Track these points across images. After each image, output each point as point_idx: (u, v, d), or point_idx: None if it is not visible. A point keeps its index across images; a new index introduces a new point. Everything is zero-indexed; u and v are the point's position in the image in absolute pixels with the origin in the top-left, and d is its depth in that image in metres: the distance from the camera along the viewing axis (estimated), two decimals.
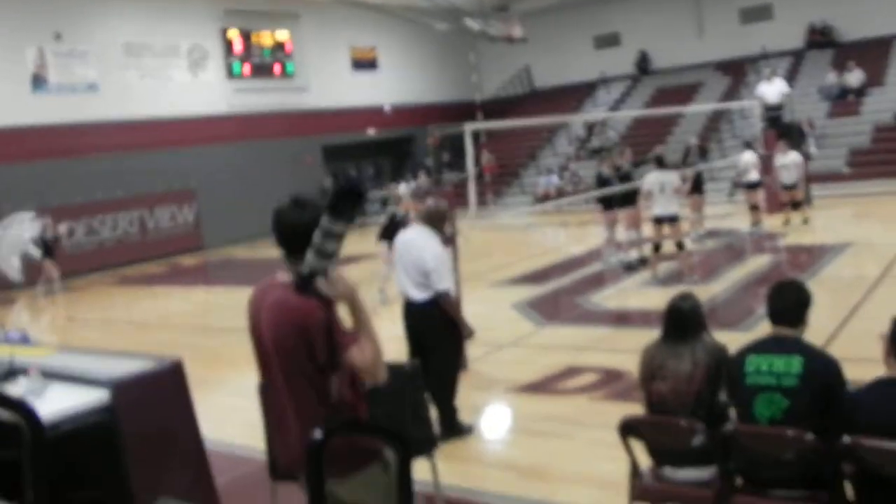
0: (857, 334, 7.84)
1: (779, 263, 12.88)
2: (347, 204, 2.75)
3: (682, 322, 4.40)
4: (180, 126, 22.48)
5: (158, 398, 4.21)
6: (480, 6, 25.52)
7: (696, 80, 27.81)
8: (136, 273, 19.50)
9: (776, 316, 4.05)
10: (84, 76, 20.77)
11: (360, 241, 13.75)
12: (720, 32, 28.17)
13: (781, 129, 18.10)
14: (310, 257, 2.78)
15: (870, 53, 25.00)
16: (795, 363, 3.83)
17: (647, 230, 12.83)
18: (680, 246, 11.76)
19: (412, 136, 29.45)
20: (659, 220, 11.70)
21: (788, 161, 15.45)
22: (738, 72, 26.86)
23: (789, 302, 4.07)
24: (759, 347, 4.02)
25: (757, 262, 12.88)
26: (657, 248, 12.00)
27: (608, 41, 30.65)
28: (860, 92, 23.87)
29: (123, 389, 4.00)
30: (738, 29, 28.07)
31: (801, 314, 4.03)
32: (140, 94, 21.86)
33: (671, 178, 11.83)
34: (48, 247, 17.22)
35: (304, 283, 2.80)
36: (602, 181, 13.64)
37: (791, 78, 24.50)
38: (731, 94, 25.56)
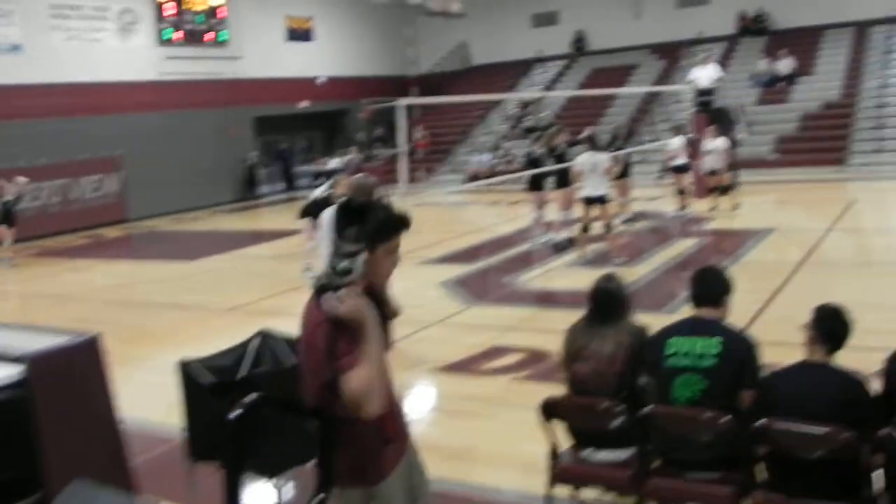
0: (776, 319, 7.99)
1: (703, 247, 13.07)
2: (386, 233, 2.86)
3: (606, 304, 4.42)
4: (107, 92, 21.79)
5: (74, 375, 4.07)
6: None
7: (632, 62, 28.06)
8: (58, 245, 18.94)
9: (698, 299, 4.15)
10: (7, 36, 20.00)
11: (290, 216, 13.63)
12: (657, 15, 28.46)
13: (712, 114, 18.34)
14: (325, 271, 2.76)
15: (801, 42, 25.53)
16: (714, 345, 3.91)
17: (576, 211, 12.93)
18: (608, 227, 11.88)
19: (346, 109, 29.15)
20: (588, 201, 11.79)
21: (715, 146, 15.71)
22: (672, 55, 27.16)
23: (710, 286, 4.17)
24: (680, 330, 4.09)
25: (682, 246, 13.05)
26: (585, 228, 12.10)
27: (546, 20, 30.72)
28: (790, 80, 24.37)
29: (38, 365, 3.85)
30: (674, 13, 28.42)
31: (721, 298, 4.12)
32: (66, 58, 21.08)
33: (602, 159, 11.91)
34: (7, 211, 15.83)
35: (315, 297, 2.77)
36: (532, 161, 13.70)
37: (724, 63, 24.82)
38: (665, 77, 25.88)
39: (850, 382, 3.64)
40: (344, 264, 2.69)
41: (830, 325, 3.78)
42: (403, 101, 12.41)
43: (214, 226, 20.98)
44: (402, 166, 12.02)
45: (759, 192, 17.77)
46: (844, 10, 25.52)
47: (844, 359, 3.76)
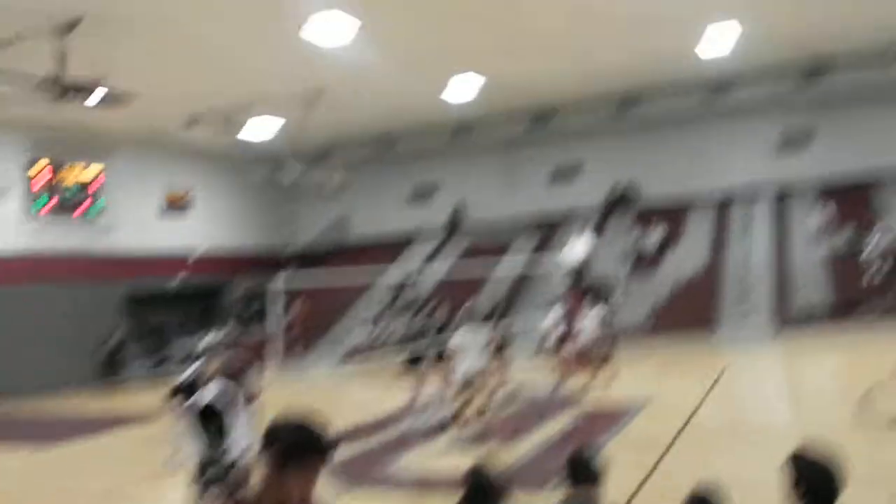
0: (658, 493, 7.83)
1: (582, 422, 12.96)
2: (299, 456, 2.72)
3: (479, 495, 4.25)
4: None
5: None
6: (301, 155, 25.68)
7: (509, 236, 28.79)
8: None
9: (573, 479, 4.19)
10: None
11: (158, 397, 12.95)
12: (531, 190, 29.54)
13: (586, 286, 18.70)
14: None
15: (668, 215, 26.81)
16: None
17: (455, 387, 12.69)
18: (487, 404, 11.65)
19: (223, 284, 28.65)
20: (466, 379, 11.59)
21: (596, 321, 15.90)
22: (548, 228, 28.03)
23: (584, 466, 4.21)
24: None
25: (561, 422, 12.92)
26: (464, 406, 11.83)
27: (425, 194, 31.46)
28: (660, 252, 25.35)
29: None
30: (547, 187, 29.55)
31: (596, 478, 4.16)
32: None
33: (481, 335, 11.82)
34: None
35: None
36: (411, 336, 13.53)
37: (597, 236, 25.69)
38: (540, 250, 26.52)
39: None
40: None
41: None
42: (276, 283, 12.15)
43: (75, 407, 19.79)
44: (275, 346, 11.64)
45: (634, 361, 17.98)
46: (709, 183, 27.22)
47: None
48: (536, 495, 7.04)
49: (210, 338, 21.37)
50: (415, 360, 13.29)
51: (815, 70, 24.15)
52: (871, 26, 21.09)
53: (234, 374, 6.15)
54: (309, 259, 29.77)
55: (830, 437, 9.90)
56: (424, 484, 10.16)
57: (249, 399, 6.46)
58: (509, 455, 10.43)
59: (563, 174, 29.78)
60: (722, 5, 18.47)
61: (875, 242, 21.99)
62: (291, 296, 25.37)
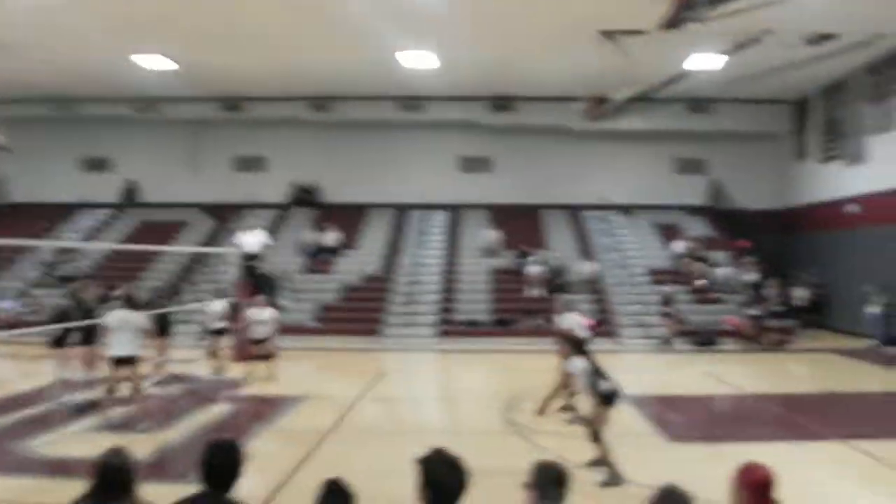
0: (303, 485, 7.87)
1: (237, 413, 12.79)
2: None
3: (111, 480, 4.08)
4: None
5: None
6: None
7: (184, 219, 27.84)
8: None
9: (206, 476, 3.99)
10: None
11: None
12: (213, 175, 28.81)
13: (257, 279, 18.54)
14: None
15: (348, 217, 27.33)
16: None
17: (102, 370, 12.03)
18: (136, 389, 11.15)
19: None
20: (118, 361, 11.01)
21: (265, 316, 15.74)
22: (224, 217, 27.44)
23: (220, 461, 4.04)
24: None
25: (216, 411, 12.66)
26: (111, 390, 11.24)
27: (97, 165, 29.62)
28: (335, 252, 25.72)
29: None
30: (230, 175, 28.99)
31: (229, 474, 4.01)
32: None
33: (137, 317, 11.28)
34: None
35: None
36: (60, 314, 12.62)
37: (274, 230, 25.61)
38: (215, 238, 25.91)
39: None
40: None
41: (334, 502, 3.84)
42: None
43: None
44: None
45: (297, 358, 18.05)
46: (385, 191, 28.30)
47: None
48: (175, 486, 6.82)
49: None
50: (60, 339, 12.40)
51: (501, 105, 26.32)
52: (555, 73, 23.19)
53: None
54: None
55: (474, 437, 10.65)
56: (60, 468, 9.50)
57: None
58: (157, 442, 10.06)
59: (247, 164, 29.36)
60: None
61: (533, 266, 23.93)
62: None
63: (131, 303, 11.62)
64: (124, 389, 11.27)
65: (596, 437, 8.51)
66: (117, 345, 10.94)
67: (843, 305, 23.63)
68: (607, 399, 8.55)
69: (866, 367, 18.00)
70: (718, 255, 25.19)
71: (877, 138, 22.10)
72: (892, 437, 10.56)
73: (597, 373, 8.71)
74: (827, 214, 24.85)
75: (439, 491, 3.78)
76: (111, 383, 11.25)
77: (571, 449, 8.91)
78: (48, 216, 27.68)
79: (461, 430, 11.76)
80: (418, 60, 21.81)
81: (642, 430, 11.37)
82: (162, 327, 14.18)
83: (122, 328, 10.94)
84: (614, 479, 8.26)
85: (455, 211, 28.42)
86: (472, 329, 22.24)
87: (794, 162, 27.64)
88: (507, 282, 24.28)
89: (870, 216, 22.31)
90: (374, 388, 15.06)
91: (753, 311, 21.78)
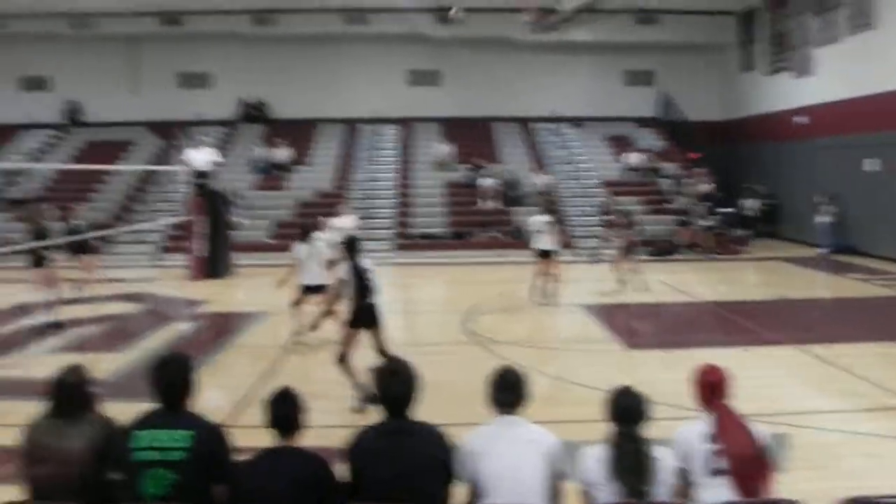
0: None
1: (198, 330, 12.81)
2: None
3: (68, 398, 4.07)
4: None
5: None
6: None
7: (129, 138, 27.22)
8: None
9: (158, 392, 3.95)
10: None
11: None
12: (156, 93, 28.08)
13: (207, 196, 18.27)
14: None
15: (298, 133, 26.96)
16: (183, 437, 3.77)
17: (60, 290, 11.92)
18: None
19: None
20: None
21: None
22: (171, 134, 26.83)
23: (172, 376, 4.00)
24: (146, 422, 3.89)
25: (177, 329, 12.66)
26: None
27: (35, 84, 28.63)
28: (287, 168, 25.45)
29: None
30: (175, 92, 28.30)
31: (180, 392, 3.98)
32: None
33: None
34: None
35: None
36: (39, 234, 12.36)
37: (224, 148, 25.18)
38: (163, 157, 25.40)
39: (312, 463, 3.76)
40: None
41: (283, 412, 3.90)
42: None
43: None
44: None
45: (255, 274, 17.99)
46: (335, 106, 27.93)
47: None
48: (136, 403, 6.84)
49: None
50: (41, 259, 12.15)
51: (446, 17, 25.97)
52: None
53: None
54: None
55: (434, 348, 10.80)
56: (19, 388, 9.46)
57: None
58: (116, 361, 10.04)
59: (192, 81, 28.64)
60: None
61: (487, 179, 23.95)
62: None
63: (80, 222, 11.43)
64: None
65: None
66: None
67: (793, 215, 24.11)
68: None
69: (817, 275, 18.51)
70: (669, 167, 25.42)
71: (824, 50, 22.20)
72: (842, 340, 10.89)
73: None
74: (775, 125, 25.08)
75: (387, 399, 3.98)
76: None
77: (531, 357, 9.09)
78: None
79: (421, 341, 11.89)
80: None
81: (600, 337, 11.64)
82: (83, 245, 14.12)
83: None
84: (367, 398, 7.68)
85: (406, 125, 28.14)
86: (428, 242, 22.32)
87: (741, 73, 27.77)
88: (462, 195, 24.28)
89: (818, 127, 22.57)
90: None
91: (707, 222, 22.14)
